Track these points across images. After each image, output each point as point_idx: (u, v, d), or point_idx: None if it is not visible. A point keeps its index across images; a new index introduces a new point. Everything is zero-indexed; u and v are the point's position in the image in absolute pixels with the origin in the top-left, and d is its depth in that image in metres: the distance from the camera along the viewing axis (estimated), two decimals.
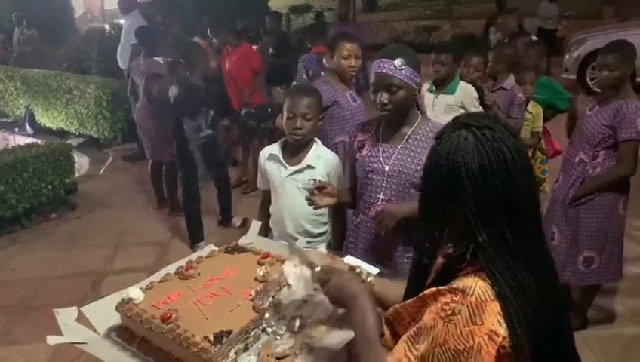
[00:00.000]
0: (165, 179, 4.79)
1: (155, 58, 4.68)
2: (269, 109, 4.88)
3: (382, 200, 1.99)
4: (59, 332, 1.58)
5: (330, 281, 1.32)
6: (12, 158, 4.51)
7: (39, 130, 7.62)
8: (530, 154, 3.46)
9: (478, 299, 0.94)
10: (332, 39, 3.17)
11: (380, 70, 1.88)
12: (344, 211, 2.35)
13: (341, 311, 1.49)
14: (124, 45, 5.91)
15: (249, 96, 5.17)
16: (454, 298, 0.97)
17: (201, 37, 5.95)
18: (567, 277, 2.82)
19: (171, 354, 1.47)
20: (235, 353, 1.46)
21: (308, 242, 2.25)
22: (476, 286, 0.96)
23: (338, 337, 1.53)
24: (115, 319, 1.62)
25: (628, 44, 2.71)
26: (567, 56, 8.40)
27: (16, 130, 7.82)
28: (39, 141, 5.26)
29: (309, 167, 2.26)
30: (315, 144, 2.32)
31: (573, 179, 2.78)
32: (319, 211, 2.22)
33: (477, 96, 3.31)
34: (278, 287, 1.62)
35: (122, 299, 1.61)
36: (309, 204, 2.03)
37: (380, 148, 2.01)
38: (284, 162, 2.29)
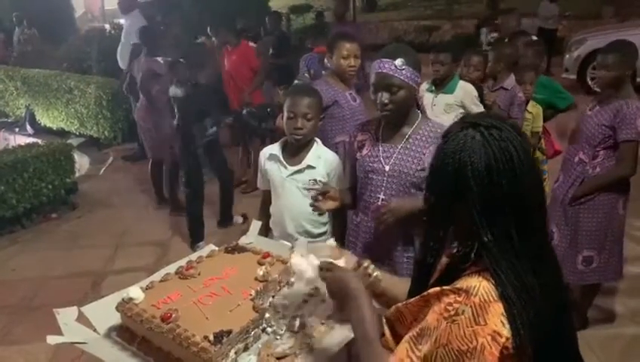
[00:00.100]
0: (167, 179, 4.80)
1: (156, 58, 4.69)
2: (269, 109, 4.89)
3: (382, 200, 1.99)
4: (59, 332, 1.58)
5: (331, 273, 1.31)
6: (12, 158, 4.52)
7: (39, 130, 7.63)
8: None
9: (482, 299, 0.94)
10: (331, 39, 3.17)
11: (380, 70, 1.88)
12: (344, 211, 2.35)
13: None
14: (124, 45, 5.91)
15: (249, 95, 5.18)
16: (458, 298, 0.97)
17: (205, 37, 5.95)
18: (566, 276, 2.82)
19: (171, 353, 1.47)
20: (235, 353, 1.46)
21: (308, 242, 2.25)
22: (480, 286, 0.96)
23: (338, 337, 1.53)
24: (116, 319, 1.62)
25: (629, 43, 2.70)
26: (567, 56, 8.40)
27: (17, 129, 7.83)
28: (39, 141, 5.27)
29: (309, 167, 2.26)
30: (315, 144, 2.32)
31: (572, 178, 2.78)
32: None
33: (477, 94, 3.31)
34: (278, 287, 1.62)
35: (122, 299, 1.61)
36: (313, 210, 2.03)
37: (381, 148, 2.01)
38: (284, 162, 2.29)
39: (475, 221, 0.97)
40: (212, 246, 2.07)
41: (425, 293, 1.04)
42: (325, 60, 3.33)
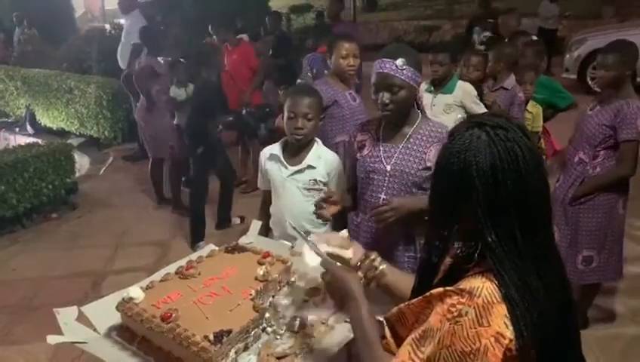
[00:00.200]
0: (169, 177, 4.80)
1: (157, 58, 4.70)
2: (267, 109, 4.89)
3: (383, 199, 1.99)
4: (59, 332, 1.58)
5: (331, 273, 1.30)
6: (13, 158, 4.52)
7: (40, 130, 7.63)
8: None
9: (485, 300, 0.94)
10: (330, 39, 3.18)
11: (381, 70, 1.88)
12: (344, 211, 2.35)
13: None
14: (124, 45, 5.92)
15: (249, 95, 5.17)
16: (461, 299, 0.96)
17: (208, 36, 5.95)
18: None
19: (171, 353, 1.48)
20: (235, 352, 1.46)
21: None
22: (483, 287, 0.95)
23: (338, 337, 1.53)
24: (116, 318, 1.62)
25: (629, 43, 2.69)
26: (567, 55, 8.41)
27: (17, 129, 7.84)
28: (40, 141, 5.26)
29: (309, 167, 2.26)
30: (315, 144, 2.32)
31: (572, 178, 2.78)
32: None
33: (476, 94, 3.31)
34: (278, 287, 1.62)
35: (123, 299, 1.61)
36: (317, 218, 2.03)
37: (381, 148, 2.01)
38: (284, 162, 2.29)
39: (480, 221, 0.97)
40: (212, 246, 2.07)
41: (427, 294, 1.03)
42: (328, 60, 3.34)
